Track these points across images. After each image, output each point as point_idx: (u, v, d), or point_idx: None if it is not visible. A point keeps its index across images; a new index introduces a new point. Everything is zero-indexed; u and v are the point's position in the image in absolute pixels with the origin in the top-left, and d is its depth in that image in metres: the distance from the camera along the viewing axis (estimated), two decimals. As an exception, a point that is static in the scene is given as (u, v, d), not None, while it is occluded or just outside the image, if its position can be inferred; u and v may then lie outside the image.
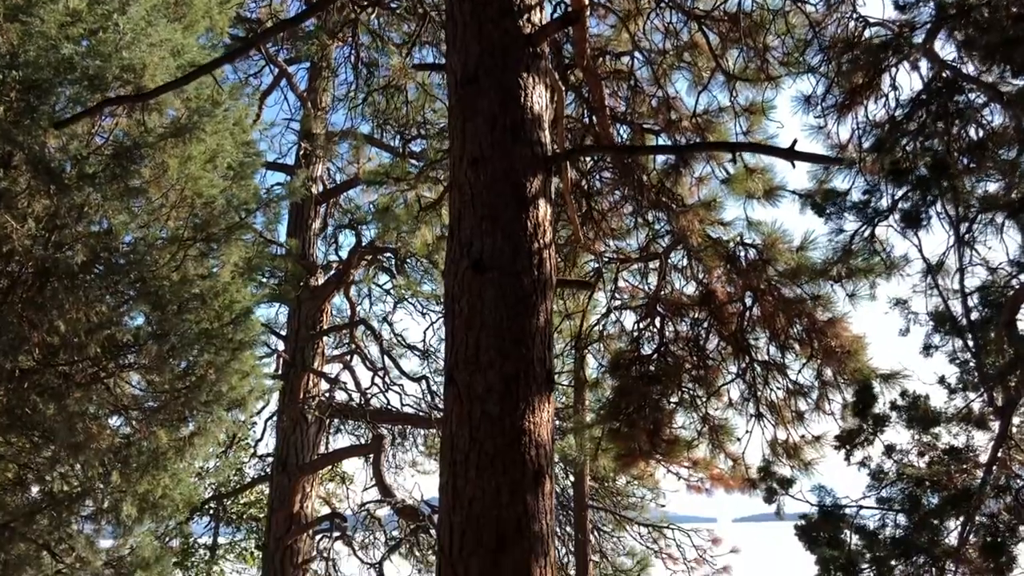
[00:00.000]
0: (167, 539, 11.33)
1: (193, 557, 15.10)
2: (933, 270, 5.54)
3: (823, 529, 5.65)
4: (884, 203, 5.59)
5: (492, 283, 3.93)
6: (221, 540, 15.59)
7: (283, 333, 13.63)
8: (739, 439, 7.07)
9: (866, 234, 5.80)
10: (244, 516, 15.37)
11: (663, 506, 10.91)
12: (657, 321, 7.22)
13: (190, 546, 15.01)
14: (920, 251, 5.47)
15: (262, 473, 14.84)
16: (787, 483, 6.57)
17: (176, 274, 6.81)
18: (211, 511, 15.16)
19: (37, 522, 6.92)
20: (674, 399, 7.22)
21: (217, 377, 6.77)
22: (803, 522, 5.77)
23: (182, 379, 6.62)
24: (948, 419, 5.67)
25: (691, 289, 7.27)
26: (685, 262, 7.24)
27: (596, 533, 12.84)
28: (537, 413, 3.80)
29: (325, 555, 12.84)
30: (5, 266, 6.45)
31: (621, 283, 8.03)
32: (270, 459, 14.14)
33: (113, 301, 6.81)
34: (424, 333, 13.78)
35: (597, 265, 7.85)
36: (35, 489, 7.30)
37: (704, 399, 7.19)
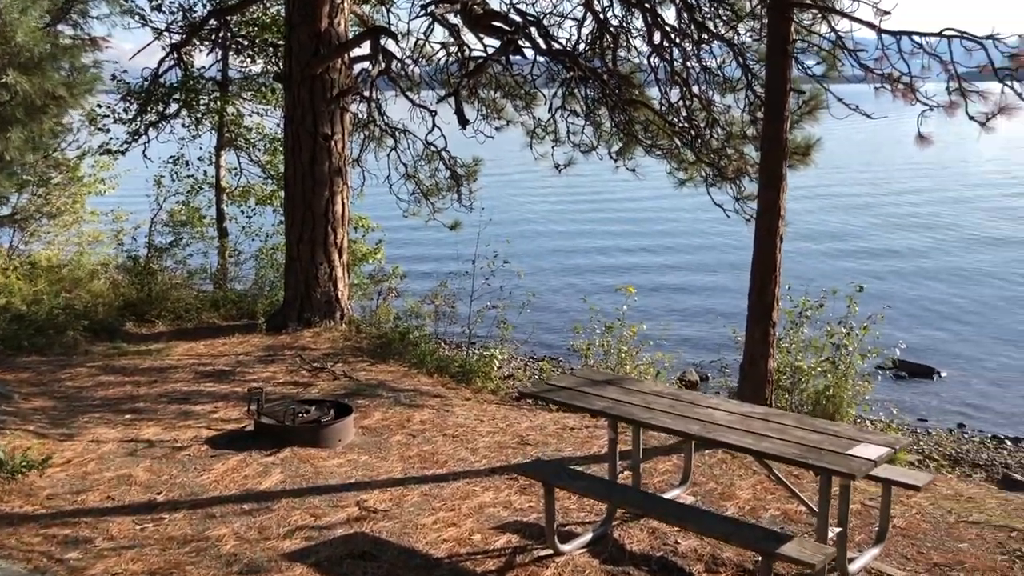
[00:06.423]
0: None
1: (200, 95, 11.99)
2: None
3: None
4: None
5: None
6: (232, 74, 12.38)
7: None
8: None
9: None
10: (257, 41, 11.90)
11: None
12: None
13: (194, 80, 11.79)
14: None
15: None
16: None
17: None
18: (213, 36, 11.70)
19: None
20: None
21: None
22: None
23: None
24: None
25: None
26: None
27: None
28: None
29: (365, 93, 9.63)
30: None
31: None
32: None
33: None
34: None
35: None
36: None
37: None
